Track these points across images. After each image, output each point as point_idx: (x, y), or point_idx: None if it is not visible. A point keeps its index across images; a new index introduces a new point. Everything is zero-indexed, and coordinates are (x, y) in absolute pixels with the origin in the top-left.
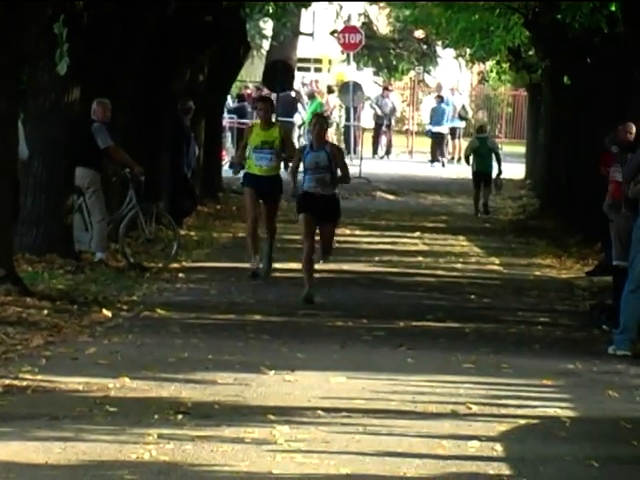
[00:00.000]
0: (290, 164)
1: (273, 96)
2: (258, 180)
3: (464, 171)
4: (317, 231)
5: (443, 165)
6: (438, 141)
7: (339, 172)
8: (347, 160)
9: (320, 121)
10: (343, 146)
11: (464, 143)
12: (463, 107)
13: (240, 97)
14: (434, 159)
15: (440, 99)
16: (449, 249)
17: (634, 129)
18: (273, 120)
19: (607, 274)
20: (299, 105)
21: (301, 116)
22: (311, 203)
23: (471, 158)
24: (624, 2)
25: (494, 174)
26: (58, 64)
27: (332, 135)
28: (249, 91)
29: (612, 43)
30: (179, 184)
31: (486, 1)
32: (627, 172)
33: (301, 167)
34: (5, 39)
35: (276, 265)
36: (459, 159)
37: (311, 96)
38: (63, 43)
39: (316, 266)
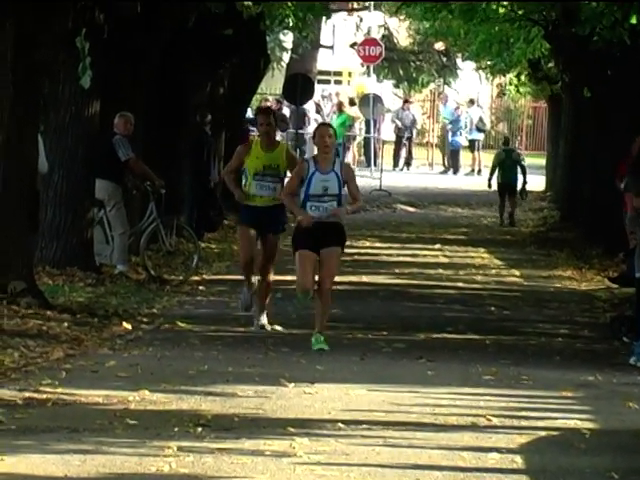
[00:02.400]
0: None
1: (288, 110)
2: (258, 213)
3: (484, 183)
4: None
5: (455, 172)
6: (455, 151)
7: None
8: (367, 172)
9: (327, 131)
10: (363, 159)
11: (483, 155)
12: (480, 119)
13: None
14: (447, 169)
15: (458, 110)
16: (469, 261)
17: None
18: (277, 138)
19: (628, 285)
20: (317, 116)
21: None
22: (311, 235)
23: (496, 171)
24: None
25: (519, 185)
26: (82, 77)
27: (353, 148)
28: (269, 103)
29: (633, 55)
30: (205, 196)
31: None
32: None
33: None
34: (24, 52)
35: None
36: (479, 171)
37: (339, 108)
38: (85, 56)
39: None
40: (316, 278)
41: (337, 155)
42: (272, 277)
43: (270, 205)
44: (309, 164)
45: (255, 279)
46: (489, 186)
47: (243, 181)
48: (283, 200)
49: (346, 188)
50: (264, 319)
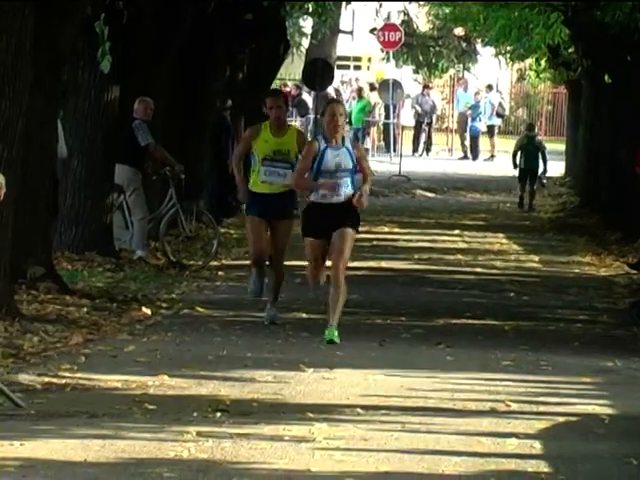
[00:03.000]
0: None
1: (309, 96)
2: (266, 201)
3: (501, 169)
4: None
5: (474, 158)
6: (474, 137)
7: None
8: (386, 158)
9: (338, 108)
10: (382, 144)
11: (501, 140)
12: (500, 104)
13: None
14: (466, 155)
15: (478, 96)
16: (488, 247)
17: None
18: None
19: None
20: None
21: None
22: (321, 220)
23: (518, 155)
24: None
25: (540, 172)
26: (101, 62)
27: (374, 133)
28: (288, 89)
29: None
30: (224, 182)
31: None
32: None
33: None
34: (43, 39)
35: None
36: (494, 155)
37: (359, 94)
38: (105, 42)
39: (350, 264)
40: (328, 263)
41: (357, 139)
42: (282, 268)
43: (279, 192)
44: (319, 141)
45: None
46: (515, 166)
47: (252, 165)
48: (296, 183)
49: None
50: (273, 311)
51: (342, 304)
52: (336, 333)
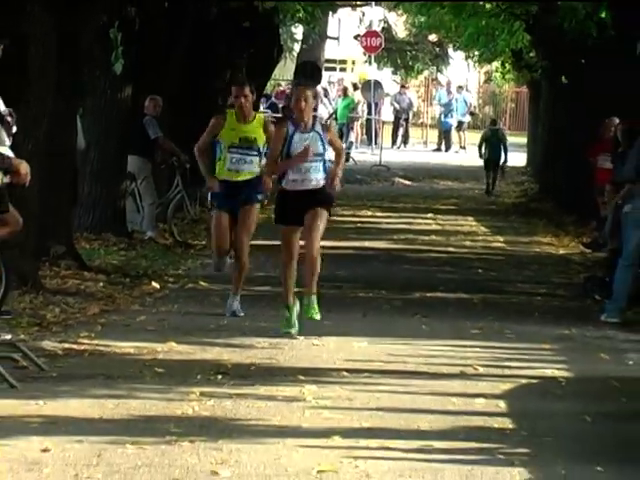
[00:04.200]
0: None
1: None
2: (232, 189)
3: (470, 159)
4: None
5: (446, 150)
6: (446, 131)
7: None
8: (368, 150)
9: (305, 92)
10: (365, 137)
11: (470, 135)
12: (470, 104)
13: (267, 96)
14: (439, 147)
15: (452, 95)
16: (459, 228)
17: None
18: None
19: (599, 250)
20: (325, 100)
21: (327, 110)
22: (293, 207)
23: (483, 146)
24: (613, 9)
25: (501, 161)
26: (114, 65)
27: (356, 128)
28: (282, 88)
29: (603, 46)
30: None
31: (492, 1)
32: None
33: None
34: (65, 44)
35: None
36: (464, 147)
37: (344, 93)
38: (118, 46)
39: (336, 244)
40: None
41: (341, 133)
42: (247, 257)
43: (246, 180)
44: (288, 126)
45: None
46: (480, 156)
47: (217, 154)
48: (269, 169)
49: (331, 149)
50: (237, 304)
51: (317, 272)
52: (315, 303)
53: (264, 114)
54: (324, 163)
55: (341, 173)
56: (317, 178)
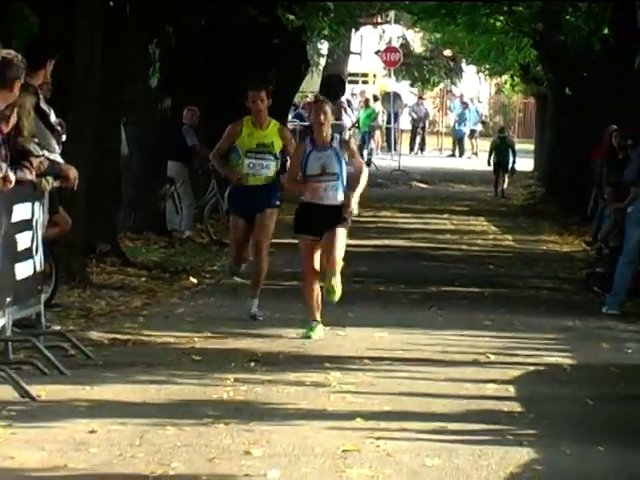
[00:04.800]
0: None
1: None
2: (250, 194)
3: (481, 164)
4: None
5: (460, 156)
6: (460, 139)
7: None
8: (388, 156)
9: (322, 107)
10: (385, 145)
11: (481, 142)
12: (482, 114)
13: (295, 106)
14: (454, 153)
15: (465, 106)
16: (471, 228)
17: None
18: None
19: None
20: (348, 110)
21: (350, 119)
22: (312, 218)
23: (493, 153)
24: (615, 26)
25: (510, 166)
26: (151, 78)
27: (378, 136)
28: (308, 99)
29: (604, 60)
30: None
31: None
32: (629, 173)
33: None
34: (108, 59)
35: None
36: (476, 154)
37: (366, 103)
38: (156, 61)
39: (358, 242)
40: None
41: (363, 142)
42: (265, 262)
43: (263, 185)
44: (306, 143)
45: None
46: (489, 164)
47: (234, 160)
48: (288, 187)
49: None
50: (255, 308)
51: (337, 268)
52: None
53: (294, 123)
54: (342, 181)
55: (357, 196)
56: (334, 196)
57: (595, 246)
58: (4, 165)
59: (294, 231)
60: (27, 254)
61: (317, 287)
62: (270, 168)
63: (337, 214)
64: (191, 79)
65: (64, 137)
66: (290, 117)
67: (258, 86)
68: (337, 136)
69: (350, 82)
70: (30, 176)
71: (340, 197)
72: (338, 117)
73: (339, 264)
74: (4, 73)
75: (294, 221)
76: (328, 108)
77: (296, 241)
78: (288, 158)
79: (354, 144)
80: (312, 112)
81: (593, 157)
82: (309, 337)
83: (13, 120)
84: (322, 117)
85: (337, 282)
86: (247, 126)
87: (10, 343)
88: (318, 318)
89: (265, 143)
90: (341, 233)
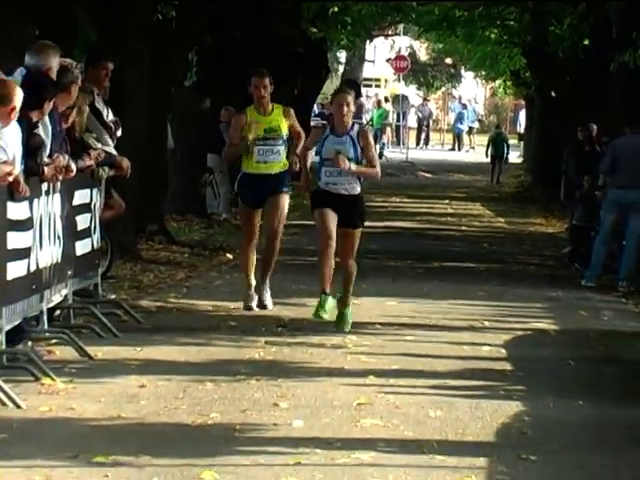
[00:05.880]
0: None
1: None
2: (261, 182)
3: (478, 157)
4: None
5: (459, 150)
6: (459, 135)
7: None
8: (397, 149)
9: (345, 97)
10: (395, 140)
11: (477, 138)
12: (478, 113)
13: (321, 105)
14: (454, 147)
15: (464, 106)
16: (469, 212)
17: (587, 130)
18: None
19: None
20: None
21: (365, 118)
22: (329, 203)
23: (490, 146)
24: (594, 37)
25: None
26: (187, 81)
27: (388, 132)
28: (328, 100)
29: (584, 67)
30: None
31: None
32: (603, 165)
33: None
34: (158, 68)
35: None
36: (473, 148)
37: (378, 104)
38: (193, 66)
39: (371, 224)
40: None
41: (375, 138)
42: (278, 242)
43: (271, 173)
44: (326, 128)
45: (253, 279)
46: (486, 155)
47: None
48: (300, 156)
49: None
50: (267, 297)
51: (352, 284)
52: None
53: (316, 120)
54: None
55: (355, 168)
56: (350, 183)
57: (567, 227)
58: (66, 157)
59: (312, 208)
60: (86, 233)
61: (332, 258)
62: (280, 154)
63: (353, 207)
64: (227, 82)
65: (119, 133)
66: (313, 115)
67: (261, 73)
68: (356, 126)
69: (365, 86)
70: (89, 162)
71: (356, 188)
72: (358, 115)
73: (354, 269)
74: (62, 78)
75: (311, 201)
76: (350, 98)
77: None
78: (293, 135)
79: (372, 137)
80: (334, 102)
81: (567, 152)
82: (320, 317)
83: (72, 118)
84: (345, 108)
85: (349, 314)
86: (251, 115)
87: (72, 310)
88: (327, 290)
89: (273, 128)
90: (356, 236)
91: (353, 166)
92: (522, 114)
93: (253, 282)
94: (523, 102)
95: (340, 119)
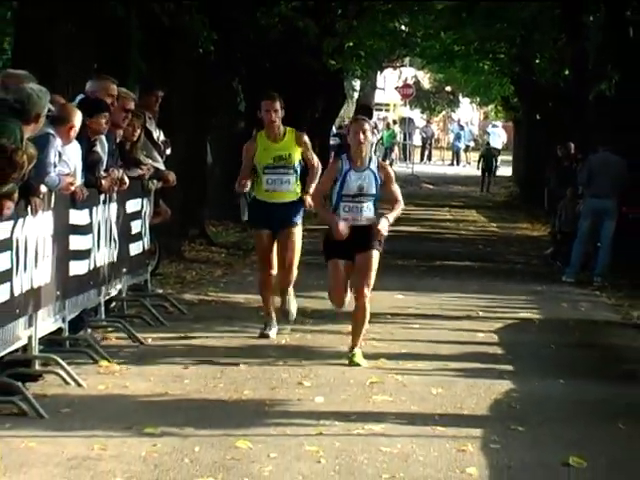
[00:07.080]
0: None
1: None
2: (271, 211)
3: (474, 171)
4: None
5: (457, 165)
6: (457, 152)
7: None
8: (404, 164)
9: (363, 125)
10: (402, 156)
11: (472, 154)
12: (472, 134)
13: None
14: (453, 163)
15: (461, 127)
16: (465, 218)
17: (566, 148)
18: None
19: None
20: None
21: (376, 137)
22: (341, 248)
23: (481, 160)
24: (574, 68)
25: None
26: (239, 105)
27: (396, 150)
28: (345, 123)
29: (565, 94)
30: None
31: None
32: (581, 178)
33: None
34: (200, 95)
35: None
36: (469, 163)
37: (388, 126)
38: (240, 93)
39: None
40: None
41: (385, 155)
42: (295, 270)
43: (282, 202)
44: (342, 161)
45: (274, 313)
46: (478, 168)
47: (255, 176)
48: (313, 204)
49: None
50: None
51: (364, 326)
52: (357, 353)
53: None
54: (376, 201)
55: (392, 219)
56: (368, 216)
57: (550, 231)
58: (120, 171)
59: (325, 256)
60: (138, 237)
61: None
62: (291, 183)
63: (369, 234)
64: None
65: (168, 151)
66: (332, 135)
67: (272, 96)
68: (374, 157)
69: (376, 110)
70: (140, 172)
71: (372, 218)
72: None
73: (368, 305)
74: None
75: (324, 243)
76: (368, 127)
77: None
78: (307, 165)
79: (392, 170)
80: (351, 130)
81: (549, 169)
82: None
83: (137, 133)
84: (362, 136)
85: (359, 353)
86: (261, 141)
87: (125, 302)
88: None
89: (283, 156)
90: (374, 259)
91: (389, 222)
92: (494, 133)
93: (274, 316)
94: (511, 124)
95: (357, 148)
